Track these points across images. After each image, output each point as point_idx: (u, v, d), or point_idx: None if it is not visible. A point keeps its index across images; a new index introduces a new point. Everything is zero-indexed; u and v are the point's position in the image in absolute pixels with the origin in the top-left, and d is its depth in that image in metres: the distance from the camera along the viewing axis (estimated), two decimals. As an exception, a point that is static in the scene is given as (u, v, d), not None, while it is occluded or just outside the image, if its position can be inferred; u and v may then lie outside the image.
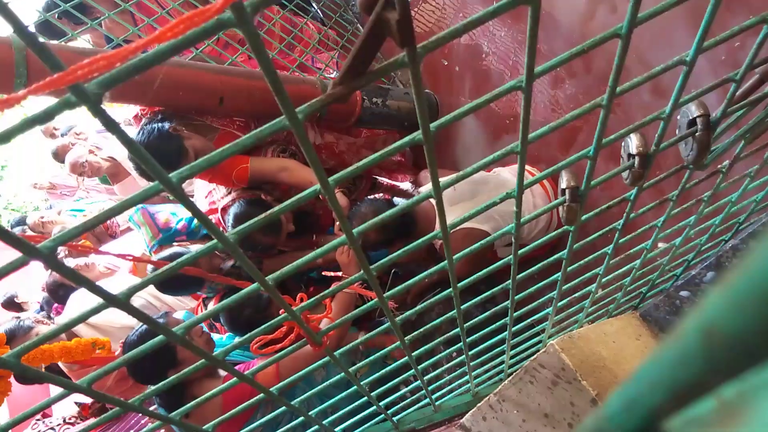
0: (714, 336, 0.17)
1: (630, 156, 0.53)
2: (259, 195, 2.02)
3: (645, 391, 0.22)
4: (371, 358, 0.71)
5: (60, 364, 2.10)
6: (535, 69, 0.34)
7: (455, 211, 1.73)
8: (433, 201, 1.52)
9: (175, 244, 2.28)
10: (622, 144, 0.55)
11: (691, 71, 0.42)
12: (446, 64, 2.28)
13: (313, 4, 2.69)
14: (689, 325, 0.18)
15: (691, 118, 0.53)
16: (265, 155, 2.05)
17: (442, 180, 0.40)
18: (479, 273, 0.61)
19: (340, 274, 1.85)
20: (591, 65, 1.61)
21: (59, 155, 3.39)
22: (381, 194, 2.44)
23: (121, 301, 0.34)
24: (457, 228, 1.44)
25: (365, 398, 0.80)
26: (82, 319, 0.35)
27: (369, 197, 1.87)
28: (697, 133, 0.53)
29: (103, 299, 0.33)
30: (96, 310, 0.34)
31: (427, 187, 0.43)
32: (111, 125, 0.25)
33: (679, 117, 0.56)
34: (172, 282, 1.93)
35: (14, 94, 0.20)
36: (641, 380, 0.22)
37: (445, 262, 0.53)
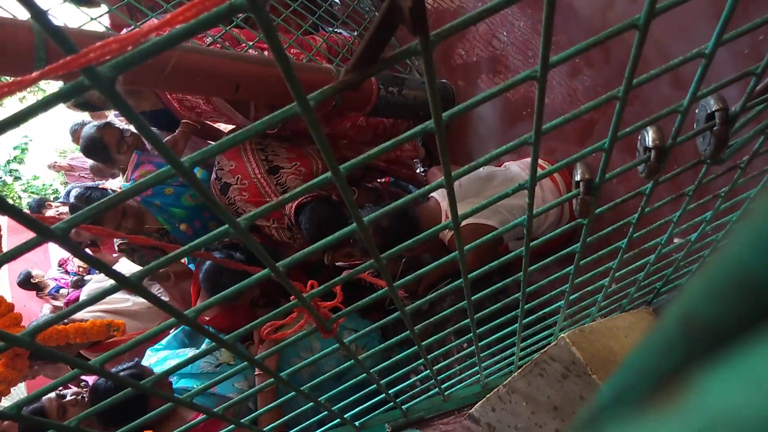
0: (693, 323, 0.18)
1: (646, 149, 0.52)
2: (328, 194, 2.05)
3: (633, 381, 0.22)
4: (372, 351, 0.72)
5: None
6: (550, 59, 0.34)
7: (461, 207, 1.72)
8: (438, 198, 1.50)
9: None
10: (639, 137, 0.54)
11: (710, 64, 0.41)
12: (464, 53, 2.26)
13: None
14: (670, 314, 0.18)
15: (709, 111, 0.52)
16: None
17: (453, 172, 0.40)
18: (491, 264, 0.61)
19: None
20: (610, 56, 1.58)
21: (76, 135, 3.43)
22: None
23: (134, 283, 0.34)
24: (464, 224, 1.43)
25: (373, 386, 0.80)
26: (96, 299, 0.35)
27: (368, 205, 1.87)
28: (714, 128, 0.52)
29: (116, 281, 0.34)
30: (109, 292, 0.35)
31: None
32: (125, 109, 0.25)
33: (697, 110, 0.55)
34: None
35: (28, 75, 0.20)
36: (629, 370, 0.22)
37: (456, 252, 0.53)
